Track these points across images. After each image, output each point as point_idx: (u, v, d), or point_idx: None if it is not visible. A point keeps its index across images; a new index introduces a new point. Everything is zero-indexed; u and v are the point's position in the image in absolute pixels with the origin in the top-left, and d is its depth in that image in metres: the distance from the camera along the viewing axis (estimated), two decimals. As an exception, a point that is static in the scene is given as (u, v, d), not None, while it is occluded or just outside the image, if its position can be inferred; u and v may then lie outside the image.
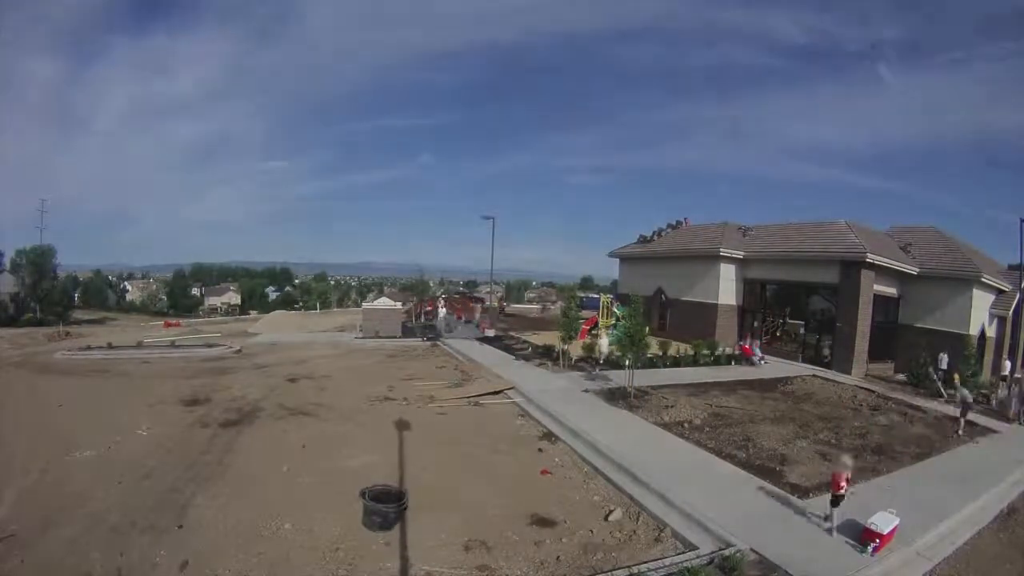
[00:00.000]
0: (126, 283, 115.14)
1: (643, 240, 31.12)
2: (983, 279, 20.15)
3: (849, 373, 19.50)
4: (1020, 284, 21.55)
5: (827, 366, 20.50)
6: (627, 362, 14.77)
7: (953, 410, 13.79)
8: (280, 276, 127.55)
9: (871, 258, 19.55)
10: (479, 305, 39.91)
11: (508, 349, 22.06)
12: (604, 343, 18.46)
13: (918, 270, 21.34)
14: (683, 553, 6.67)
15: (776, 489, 8.56)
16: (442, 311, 30.65)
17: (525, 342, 23.70)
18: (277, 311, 49.26)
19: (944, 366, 18.36)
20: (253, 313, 67.71)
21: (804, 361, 21.60)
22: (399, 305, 30.80)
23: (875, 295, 20.42)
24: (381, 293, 39.85)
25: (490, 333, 26.28)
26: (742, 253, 24.57)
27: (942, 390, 16.66)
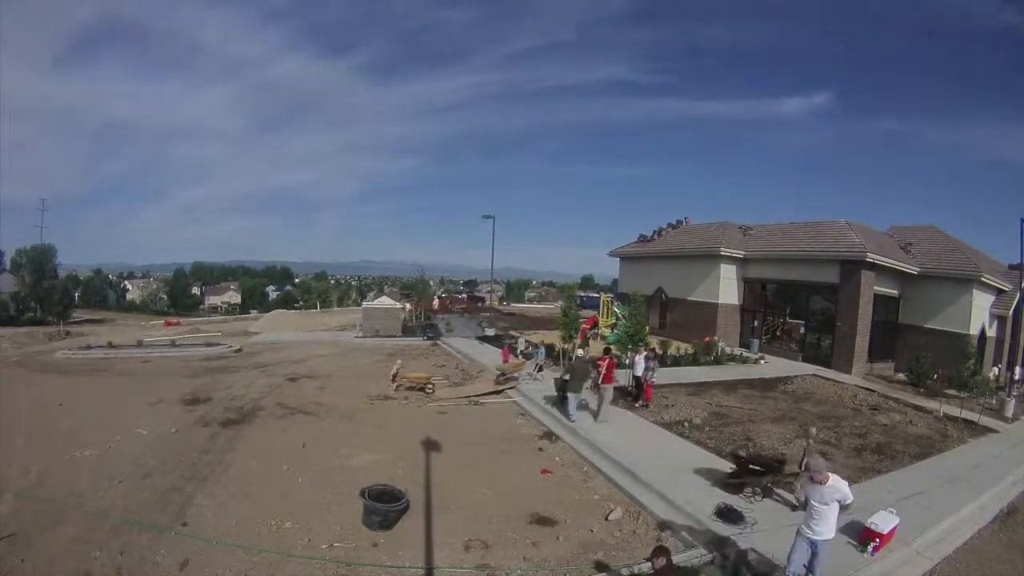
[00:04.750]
0: (126, 282, 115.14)
1: (643, 239, 31.09)
2: (983, 279, 20.13)
3: (849, 372, 19.47)
4: (1020, 284, 21.53)
5: (827, 365, 20.48)
6: (627, 361, 14.75)
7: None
8: (280, 275, 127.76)
9: (871, 258, 19.52)
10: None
11: (509, 349, 22.03)
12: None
13: (918, 270, 21.31)
14: (683, 552, 6.67)
15: (776, 488, 8.55)
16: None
17: (526, 342, 23.69)
18: (277, 310, 49.29)
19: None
20: (253, 312, 67.81)
21: (804, 360, 21.58)
22: (399, 305, 30.82)
23: (875, 295, 20.39)
24: (381, 292, 39.82)
25: (490, 332, 26.29)
26: (742, 252, 24.53)
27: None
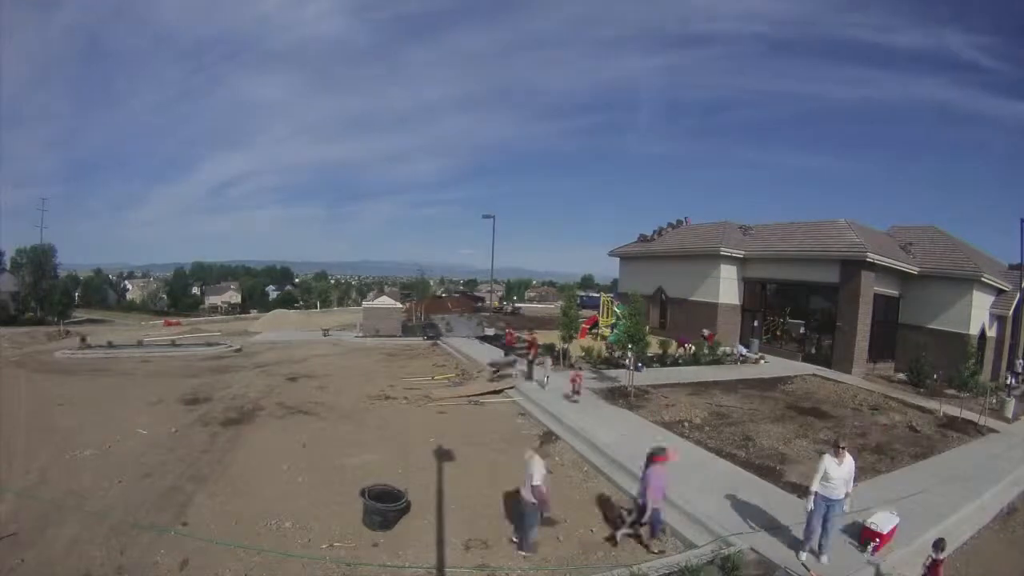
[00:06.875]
0: (126, 282, 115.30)
1: (643, 239, 31.08)
2: (983, 279, 20.12)
3: (849, 372, 19.47)
4: (1020, 284, 21.53)
5: (827, 365, 20.46)
6: (627, 361, 14.75)
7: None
8: (280, 275, 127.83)
9: (871, 257, 19.51)
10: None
11: (508, 348, 22.04)
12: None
13: (918, 270, 21.31)
14: (683, 552, 6.67)
15: (776, 488, 8.56)
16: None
17: (526, 341, 23.70)
18: (277, 310, 49.34)
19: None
20: (253, 312, 67.84)
21: (804, 360, 21.58)
22: (399, 304, 30.85)
23: (875, 294, 20.39)
24: (381, 292, 39.85)
25: (490, 332, 26.30)
26: (742, 252, 24.52)
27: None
